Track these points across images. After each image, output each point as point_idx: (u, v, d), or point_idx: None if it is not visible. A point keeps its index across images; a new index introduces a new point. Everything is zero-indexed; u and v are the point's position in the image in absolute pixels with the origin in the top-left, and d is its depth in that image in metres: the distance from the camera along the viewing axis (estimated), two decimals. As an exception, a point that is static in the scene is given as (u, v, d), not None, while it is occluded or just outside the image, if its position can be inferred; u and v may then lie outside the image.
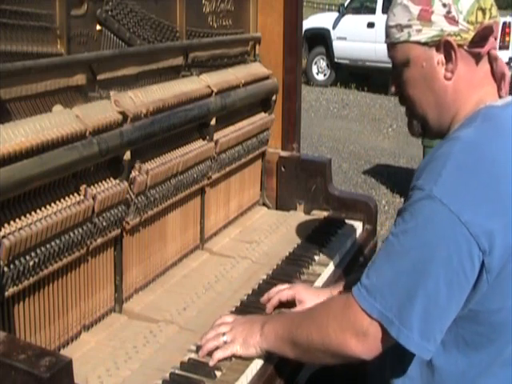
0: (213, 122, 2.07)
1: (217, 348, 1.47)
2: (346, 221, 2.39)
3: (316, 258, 2.08)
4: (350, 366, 1.87)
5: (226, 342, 1.47)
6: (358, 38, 11.52)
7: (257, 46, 2.51)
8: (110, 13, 1.68)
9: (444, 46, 1.33)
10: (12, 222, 1.32)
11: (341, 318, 1.30)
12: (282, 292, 1.73)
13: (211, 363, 1.44)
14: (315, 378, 1.83)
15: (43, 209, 1.40)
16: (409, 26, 1.36)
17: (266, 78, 2.46)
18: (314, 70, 12.41)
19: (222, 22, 2.28)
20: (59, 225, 1.41)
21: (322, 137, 8.09)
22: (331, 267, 2.06)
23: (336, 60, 12.01)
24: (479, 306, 1.25)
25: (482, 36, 1.32)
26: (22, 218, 1.34)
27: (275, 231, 2.34)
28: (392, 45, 1.41)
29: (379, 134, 8.37)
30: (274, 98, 2.51)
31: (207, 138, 2.07)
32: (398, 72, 1.42)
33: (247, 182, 2.49)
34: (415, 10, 1.35)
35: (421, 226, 1.22)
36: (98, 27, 1.65)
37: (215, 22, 2.23)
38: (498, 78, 1.37)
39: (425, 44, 1.35)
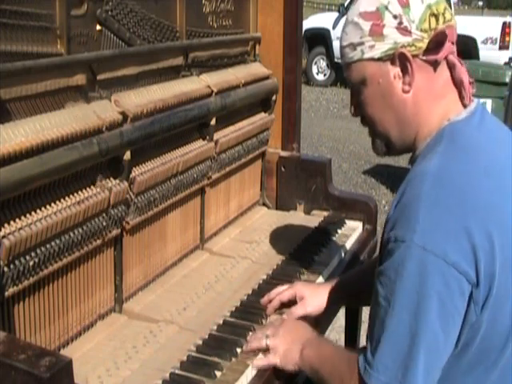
0: (213, 122, 2.07)
1: (258, 349, 1.51)
2: (346, 221, 2.39)
3: (316, 257, 2.08)
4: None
5: (268, 346, 1.50)
6: (358, 38, 11.51)
7: (257, 46, 2.50)
8: (110, 13, 1.68)
9: (399, 59, 1.29)
10: (12, 222, 1.32)
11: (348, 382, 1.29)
12: (282, 293, 1.73)
13: (253, 368, 1.48)
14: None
15: (43, 209, 1.40)
16: (361, 44, 1.32)
17: (266, 78, 2.46)
18: (314, 69, 12.41)
19: (222, 22, 2.28)
20: (59, 225, 1.41)
21: (321, 137, 8.09)
22: (331, 267, 2.06)
23: (336, 60, 11.99)
24: (469, 337, 1.22)
25: (437, 42, 1.28)
26: (22, 217, 1.34)
27: (275, 231, 2.34)
28: (347, 65, 1.37)
29: (379, 134, 8.36)
30: (274, 98, 2.51)
31: (207, 137, 2.07)
32: (355, 92, 1.38)
33: (247, 181, 2.49)
34: (366, 26, 1.30)
35: (409, 281, 1.18)
36: (98, 27, 1.65)
37: (215, 21, 2.23)
38: (457, 85, 1.32)
39: (379, 59, 1.30)
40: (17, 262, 1.32)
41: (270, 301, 1.74)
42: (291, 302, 1.73)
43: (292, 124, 2.55)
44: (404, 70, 1.30)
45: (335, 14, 12.43)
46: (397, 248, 1.19)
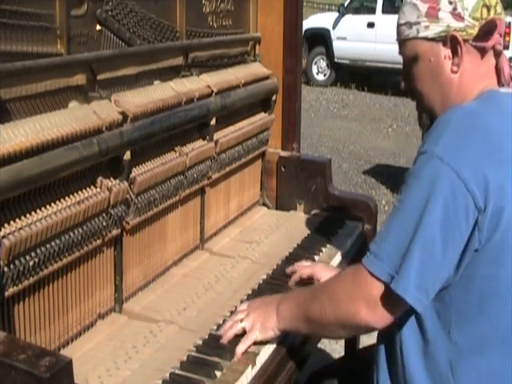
0: (213, 122, 2.07)
1: (236, 336, 1.51)
2: (346, 221, 2.39)
3: (316, 258, 2.08)
4: (350, 365, 1.88)
5: (244, 329, 1.51)
6: (358, 38, 11.52)
7: (257, 46, 2.50)
8: (110, 13, 1.68)
9: (450, 41, 1.39)
10: (12, 222, 1.32)
11: (351, 287, 1.34)
12: (302, 270, 1.85)
13: (235, 359, 1.47)
14: (315, 378, 1.84)
15: (43, 209, 1.40)
16: (417, 23, 1.42)
17: (266, 78, 2.46)
18: (314, 69, 12.41)
19: (222, 22, 2.28)
20: (59, 225, 1.41)
21: (321, 137, 8.09)
22: (331, 267, 2.06)
23: (336, 60, 12.00)
24: (470, 271, 1.29)
25: (486, 31, 1.38)
26: (22, 217, 1.34)
27: (275, 231, 2.34)
28: (402, 42, 1.47)
29: (379, 134, 8.37)
30: (274, 98, 2.51)
31: (207, 137, 2.07)
32: (407, 68, 1.48)
33: (247, 181, 2.49)
34: (423, 7, 1.41)
35: (422, 184, 1.28)
36: (98, 27, 1.65)
37: (215, 21, 2.23)
38: (498, 72, 1.42)
39: (432, 39, 1.41)
40: (17, 262, 1.32)
41: (293, 272, 1.86)
42: (309, 279, 1.82)
43: (292, 124, 2.55)
44: (454, 52, 1.40)
45: (335, 14, 12.43)
46: (420, 158, 1.31)
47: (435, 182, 1.26)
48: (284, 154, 2.56)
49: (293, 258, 2.07)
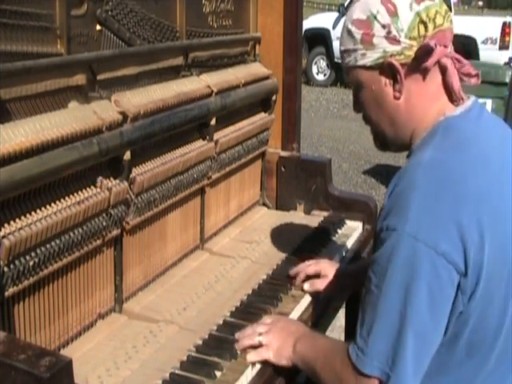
0: (213, 122, 2.07)
1: (251, 346, 1.51)
2: (346, 221, 2.39)
3: (316, 258, 2.08)
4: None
5: (260, 343, 1.51)
6: (358, 38, 11.51)
7: (257, 46, 2.50)
8: (110, 13, 1.68)
9: (388, 68, 1.32)
10: (12, 222, 1.32)
11: (342, 377, 1.30)
12: (308, 268, 1.87)
13: (241, 359, 1.48)
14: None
15: (43, 209, 1.40)
16: (355, 51, 1.36)
17: (266, 78, 2.46)
18: (314, 69, 12.41)
19: (222, 22, 2.28)
20: (59, 225, 1.41)
21: (321, 137, 8.09)
22: (331, 267, 2.05)
23: (336, 60, 11.98)
24: (457, 328, 1.24)
25: (424, 52, 1.29)
26: (22, 217, 1.34)
27: (275, 231, 2.34)
28: (346, 69, 1.42)
29: (379, 134, 8.36)
30: (274, 98, 2.51)
31: (207, 137, 2.07)
32: (354, 94, 1.44)
33: (247, 181, 2.49)
34: (358, 34, 1.34)
35: (399, 268, 1.21)
36: (98, 27, 1.65)
37: (215, 21, 2.23)
38: (447, 89, 1.34)
39: (370, 68, 1.34)
40: (17, 262, 1.32)
41: (297, 273, 1.88)
42: (316, 276, 1.86)
43: (292, 124, 2.55)
44: (393, 79, 1.33)
45: (335, 14, 12.42)
46: (388, 237, 1.22)
47: (413, 264, 1.19)
48: (284, 153, 2.56)
49: (293, 257, 2.07)
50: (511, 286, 1.24)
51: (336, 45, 11.90)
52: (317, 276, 1.86)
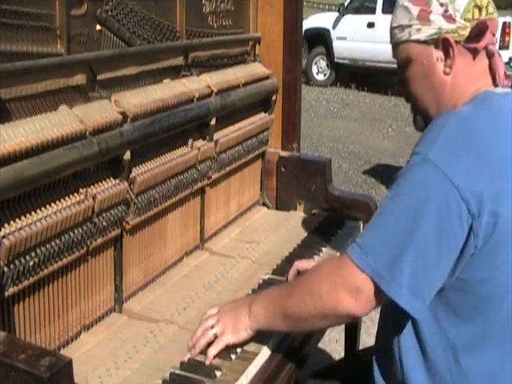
0: (213, 122, 2.07)
1: (209, 344, 1.48)
2: (346, 221, 2.39)
3: (316, 258, 2.08)
4: (351, 367, 1.88)
5: (216, 335, 1.48)
6: (358, 38, 11.52)
7: (257, 46, 2.50)
8: (109, 13, 1.68)
9: (442, 43, 1.39)
10: (12, 222, 1.32)
11: (333, 276, 1.33)
12: (300, 264, 1.80)
13: (207, 362, 1.45)
14: (315, 378, 1.83)
15: (43, 209, 1.40)
16: (409, 26, 1.42)
17: (266, 77, 2.46)
18: (314, 70, 12.41)
19: (222, 22, 2.28)
20: (59, 225, 1.41)
21: (321, 137, 8.09)
22: (331, 267, 2.05)
23: (336, 60, 12.01)
24: (466, 274, 1.28)
25: (478, 32, 1.38)
26: (22, 217, 1.34)
27: (275, 231, 2.34)
28: (395, 45, 1.48)
29: (379, 134, 8.37)
30: (273, 97, 2.51)
31: (207, 138, 2.07)
32: (401, 71, 1.49)
33: (247, 182, 2.49)
34: (415, 10, 1.41)
35: (414, 187, 1.27)
36: (98, 27, 1.65)
37: (215, 21, 2.23)
38: (492, 72, 1.42)
39: (424, 42, 1.41)
40: (17, 262, 1.32)
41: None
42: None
43: (292, 124, 2.55)
44: (446, 54, 1.40)
45: (335, 14, 12.43)
46: (412, 160, 1.31)
47: (428, 187, 1.25)
48: (284, 153, 2.56)
49: (293, 257, 2.07)
50: None
51: (336, 45, 11.92)
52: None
